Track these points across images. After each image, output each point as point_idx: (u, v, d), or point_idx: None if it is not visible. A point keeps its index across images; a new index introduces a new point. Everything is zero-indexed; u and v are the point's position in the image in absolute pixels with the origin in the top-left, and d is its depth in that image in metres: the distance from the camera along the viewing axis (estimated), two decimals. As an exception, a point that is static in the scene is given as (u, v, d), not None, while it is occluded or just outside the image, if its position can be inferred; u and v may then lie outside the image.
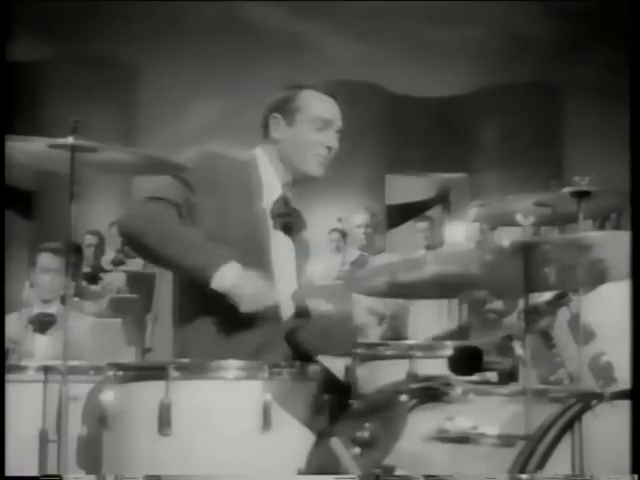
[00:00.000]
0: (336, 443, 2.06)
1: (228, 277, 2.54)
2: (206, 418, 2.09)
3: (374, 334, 3.44)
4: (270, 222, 2.79)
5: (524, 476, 1.82)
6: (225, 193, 2.69)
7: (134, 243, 2.70)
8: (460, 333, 4.76)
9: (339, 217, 6.81)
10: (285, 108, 2.84)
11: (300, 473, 2.10)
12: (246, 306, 2.57)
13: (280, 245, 2.82)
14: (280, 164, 2.84)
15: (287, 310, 2.76)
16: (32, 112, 8.98)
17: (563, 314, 2.68)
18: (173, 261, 2.62)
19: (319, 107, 2.85)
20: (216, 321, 2.63)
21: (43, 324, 4.40)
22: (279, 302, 2.69)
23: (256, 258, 2.67)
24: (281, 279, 2.76)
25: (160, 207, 2.64)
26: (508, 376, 2.31)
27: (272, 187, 2.82)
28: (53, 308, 4.55)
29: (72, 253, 4.68)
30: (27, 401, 2.57)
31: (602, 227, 5.35)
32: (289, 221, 2.84)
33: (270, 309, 2.63)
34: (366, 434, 2.09)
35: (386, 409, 2.19)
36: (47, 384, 2.59)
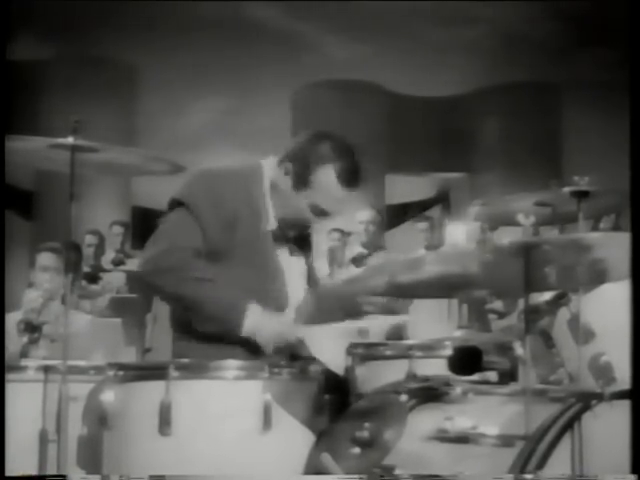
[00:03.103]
0: (326, 458, 2.06)
1: (250, 322, 2.53)
2: (206, 418, 2.09)
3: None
4: (277, 241, 2.73)
5: (528, 476, 1.82)
6: (231, 211, 2.62)
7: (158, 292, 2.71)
8: None
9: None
10: (299, 168, 2.64)
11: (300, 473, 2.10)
12: (270, 346, 2.56)
13: (289, 264, 2.77)
14: (272, 200, 2.72)
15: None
16: (32, 112, 8.97)
17: (563, 314, 2.68)
18: (198, 309, 2.58)
19: (329, 195, 2.64)
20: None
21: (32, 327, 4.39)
22: (302, 338, 2.62)
23: (268, 278, 2.65)
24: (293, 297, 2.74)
25: (175, 259, 2.57)
26: (508, 376, 2.32)
27: (270, 212, 2.72)
28: (52, 308, 4.55)
29: (72, 252, 4.67)
30: (27, 401, 2.57)
31: (596, 228, 5.35)
32: (296, 236, 2.79)
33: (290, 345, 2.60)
34: (366, 434, 2.09)
35: (386, 409, 2.19)
36: (47, 384, 2.59)
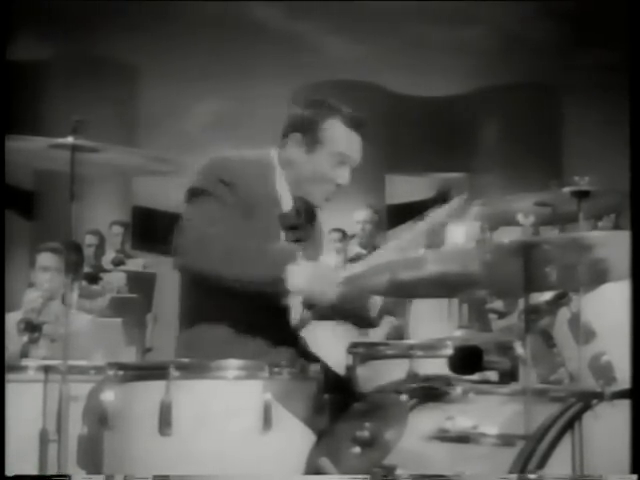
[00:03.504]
0: (325, 463, 2.06)
1: (301, 275, 2.49)
2: (206, 418, 2.09)
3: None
4: (282, 234, 2.73)
5: (531, 476, 1.82)
6: (247, 195, 2.62)
7: (197, 276, 2.60)
8: None
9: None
10: (308, 132, 2.73)
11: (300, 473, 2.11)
12: (322, 299, 2.54)
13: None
14: (287, 182, 2.76)
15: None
16: (32, 112, 8.96)
17: (563, 314, 2.69)
18: (241, 278, 2.51)
19: (342, 143, 2.74)
20: (226, 323, 2.61)
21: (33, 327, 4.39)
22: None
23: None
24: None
25: (209, 232, 2.54)
26: (508, 376, 2.32)
27: (284, 197, 2.76)
28: (52, 308, 4.55)
29: (72, 252, 4.67)
30: (27, 401, 2.57)
31: (596, 227, 5.35)
32: (300, 235, 2.79)
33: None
34: (366, 433, 2.09)
35: (386, 409, 2.19)
36: (47, 384, 2.59)
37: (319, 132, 2.73)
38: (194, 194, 2.65)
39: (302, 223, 2.79)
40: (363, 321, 2.57)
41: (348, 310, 2.78)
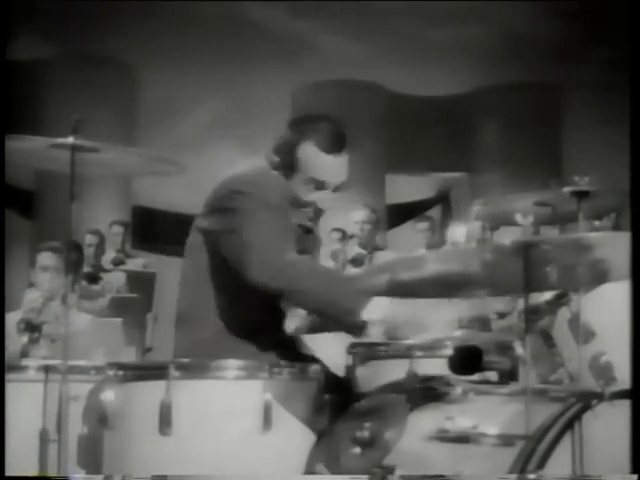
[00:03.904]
0: (321, 469, 2.06)
1: (377, 309, 2.44)
2: (206, 418, 2.09)
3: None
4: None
5: (531, 476, 1.82)
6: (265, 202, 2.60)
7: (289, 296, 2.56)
8: None
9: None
10: (284, 157, 2.70)
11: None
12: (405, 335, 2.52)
13: None
14: None
15: None
16: (32, 112, 8.96)
17: (563, 314, 2.68)
18: (318, 302, 2.50)
19: (316, 168, 2.68)
20: (227, 324, 2.61)
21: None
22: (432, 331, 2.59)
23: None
24: None
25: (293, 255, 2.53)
26: (508, 376, 2.32)
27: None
28: (52, 308, 4.55)
29: (72, 252, 4.67)
30: (27, 401, 2.57)
31: (596, 227, 5.34)
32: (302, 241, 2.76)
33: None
34: (366, 434, 2.09)
35: (386, 409, 2.20)
36: (47, 384, 2.59)
37: (293, 158, 2.68)
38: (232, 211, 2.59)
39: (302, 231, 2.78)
40: (355, 328, 2.56)
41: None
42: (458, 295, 2.58)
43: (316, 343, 2.83)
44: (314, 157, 2.67)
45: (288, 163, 2.69)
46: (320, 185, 2.69)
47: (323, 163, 2.68)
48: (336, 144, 2.70)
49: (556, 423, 1.90)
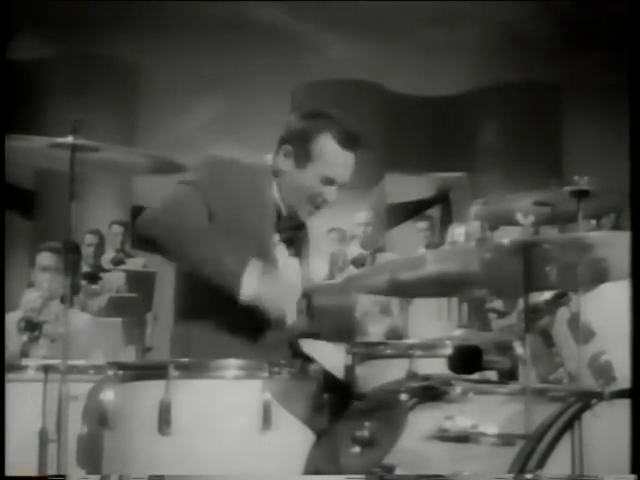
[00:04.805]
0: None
1: (253, 280, 2.49)
2: (206, 417, 2.09)
3: (376, 328, 3.42)
4: (276, 235, 2.75)
5: (529, 475, 1.82)
6: (236, 199, 2.63)
7: (155, 244, 2.59)
8: None
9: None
10: (299, 146, 2.71)
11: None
12: (275, 311, 2.55)
13: (286, 259, 2.78)
14: (277, 190, 2.76)
15: (291, 314, 2.74)
16: (32, 111, 8.97)
17: (563, 313, 2.69)
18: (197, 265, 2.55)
19: (332, 162, 2.70)
20: (220, 322, 2.62)
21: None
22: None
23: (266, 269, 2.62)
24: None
25: (182, 211, 2.57)
26: (508, 375, 2.32)
27: (277, 202, 2.76)
28: (52, 307, 4.55)
29: (71, 252, 4.67)
30: (27, 400, 2.57)
31: (595, 227, 5.35)
32: (293, 235, 2.80)
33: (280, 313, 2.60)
34: (366, 433, 2.09)
35: (386, 408, 2.20)
36: (47, 383, 2.59)
37: (310, 147, 2.70)
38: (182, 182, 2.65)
39: (293, 226, 2.79)
40: (350, 335, 2.58)
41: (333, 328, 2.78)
42: (458, 295, 2.59)
43: (315, 345, 2.83)
44: (333, 150, 2.70)
45: (302, 152, 2.70)
46: (329, 181, 2.71)
47: (338, 158, 2.71)
48: (353, 140, 2.73)
49: (556, 423, 1.90)
